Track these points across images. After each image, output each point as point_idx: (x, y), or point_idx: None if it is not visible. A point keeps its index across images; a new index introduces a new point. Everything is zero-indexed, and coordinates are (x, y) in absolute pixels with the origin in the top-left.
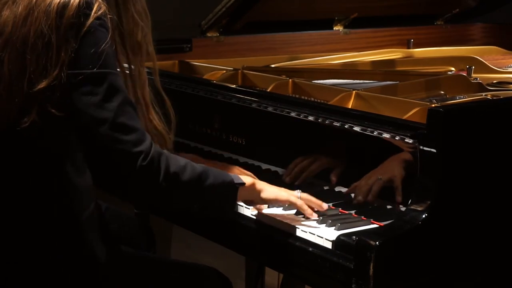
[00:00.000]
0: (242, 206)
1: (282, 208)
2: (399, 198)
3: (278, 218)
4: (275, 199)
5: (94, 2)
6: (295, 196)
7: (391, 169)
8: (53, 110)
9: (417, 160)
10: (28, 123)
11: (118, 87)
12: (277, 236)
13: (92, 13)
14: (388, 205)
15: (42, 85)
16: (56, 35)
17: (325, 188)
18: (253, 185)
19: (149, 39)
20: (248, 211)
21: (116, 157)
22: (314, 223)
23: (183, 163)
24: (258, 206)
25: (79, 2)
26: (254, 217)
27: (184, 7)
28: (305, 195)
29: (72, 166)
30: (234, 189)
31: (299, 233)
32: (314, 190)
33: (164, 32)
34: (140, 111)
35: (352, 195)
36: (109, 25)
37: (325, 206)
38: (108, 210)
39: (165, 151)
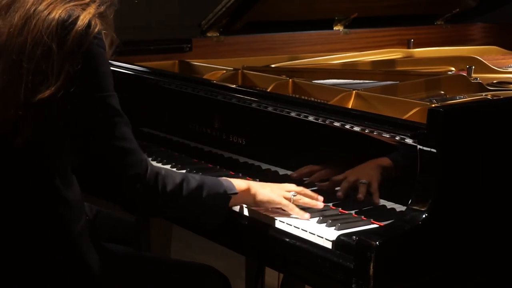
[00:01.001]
0: (243, 206)
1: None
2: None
3: (278, 218)
4: (267, 202)
5: (91, 19)
6: (288, 197)
7: (379, 168)
8: (48, 127)
9: (417, 160)
10: (22, 141)
11: (117, 109)
12: (277, 236)
13: (91, 31)
14: (388, 205)
15: (45, 94)
16: (57, 44)
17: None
18: (247, 191)
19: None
20: (248, 211)
21: (115, 178)
22: (314, 223)
23: (178, 181)
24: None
25: (85, 20)
26: (254, 217)
27: (184, 7)
28: (299, 197)
29: (62, 179)
30: (226, 200)
31: (299, 233)
32: (314, 190)
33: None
34: None
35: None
36: (105, 42)
37: (320, 205)
38: (99, 212)
39: (161, 170)
